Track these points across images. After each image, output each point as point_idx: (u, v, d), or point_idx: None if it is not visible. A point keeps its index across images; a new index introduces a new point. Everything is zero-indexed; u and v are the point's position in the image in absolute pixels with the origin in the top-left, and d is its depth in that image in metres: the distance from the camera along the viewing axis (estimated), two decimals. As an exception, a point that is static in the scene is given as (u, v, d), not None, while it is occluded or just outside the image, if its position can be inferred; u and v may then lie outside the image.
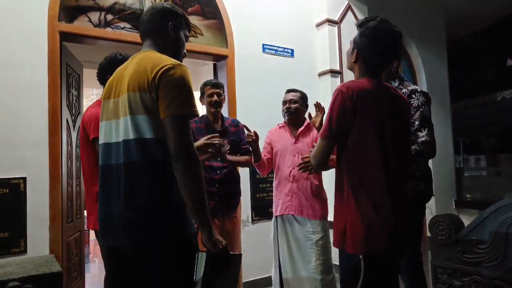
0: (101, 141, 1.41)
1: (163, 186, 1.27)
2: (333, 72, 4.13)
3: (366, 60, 1.59)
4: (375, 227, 1.46)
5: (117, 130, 1.34)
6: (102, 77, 2.22)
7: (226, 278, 1.36)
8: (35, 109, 2.72)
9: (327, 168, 1.77)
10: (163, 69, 1.25)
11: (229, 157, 2.57)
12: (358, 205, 1.48)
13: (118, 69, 1.45)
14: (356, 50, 1.61)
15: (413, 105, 2.13)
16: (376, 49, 1.56)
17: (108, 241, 1.36)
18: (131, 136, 1.27)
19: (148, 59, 1.32)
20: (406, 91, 2.20)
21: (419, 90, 2.19)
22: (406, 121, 1.65)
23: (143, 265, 1.27)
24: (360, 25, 1.62)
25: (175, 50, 1.48)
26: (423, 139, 2.06)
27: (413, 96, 2.16)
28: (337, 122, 1.50)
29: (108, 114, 1.39)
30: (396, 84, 2.28)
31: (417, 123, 2.10)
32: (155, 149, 1.26)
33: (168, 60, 1.30)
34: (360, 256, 1.46)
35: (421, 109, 2.12)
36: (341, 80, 4.17)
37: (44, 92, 2.75)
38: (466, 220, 2.35)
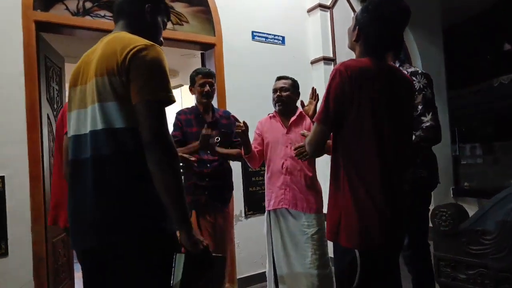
0: (70, 133, 1.27)
1: (136, 180, 1.15)
2: (326, 60, 4.00)
3: (368, 39, 1.45)
4: (371, 219, 1.35)
5: (85, 120, 1.21)
6: None
7: (209, 282, 1.23)
8: (11, 104, 2.56)
9: (322, 154, 1.66)
10: (134, 50, 1.13)
11: (219, 149, 2.45)
12: (354, 195, 1.36)
13: (85, 54, 1.31)
14: (357, 27, 1.47)
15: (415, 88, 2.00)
16: (380, 26, 1.41)
17: (80, 244, 1.23)
18: (99, 126, 1.15)
19: (118, 40, 1.20)
20: (406, 72, 2.05)
21: (420, 71, 2.06)
22: (408, 105, 1.53)
23: (118, 265, 1.15)
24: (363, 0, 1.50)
25: (150, 35, 1.33)
26: (427, 124, 1.94)
27: (414, 78, 2.02)
28: (334, 105, 1.37)
29: (76, 103, 1.25)
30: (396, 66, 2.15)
31: (420, 107, 1.97)
32: (126, 139, 1.14)
33: (140, 41, 1.17)
34: (356, 251, 1.35)
35: (424, 92, 1.99)
36: (335, 68, 4.04)
37: (20, 86, 2.59)
38: (465, 209, 2.25)
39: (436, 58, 5.41)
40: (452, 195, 5.29)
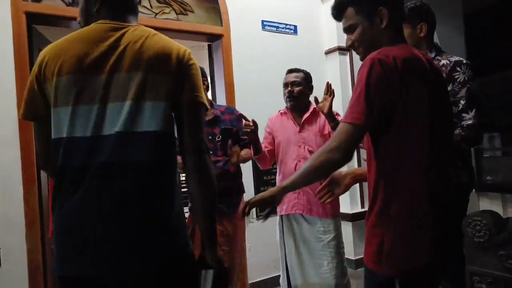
0: (64, 133, 1.03)
1: (174, 192, 1.08)
2: (341, 50, 3.76)
3: (395, 19, 1.22)
4: (418, 240, 1.14)
5: (99, 118, 1.01)
6: None
7: None
8: (0, 102, 2.40)
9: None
10: (187, 54, 1.12)
11: (232, 160, 2.32)
12: (401, 215, 1.14)
13: (78, 38, 1.08)
14: (380, 8, 1.20)
15: (458, 80, 1.76)
16: None
17: (82, 271, 1.00)
18: (137, 128, 1.01)
19: (163, 39, 1.12)
20: (448, 62, 1.81)
21: (464, 62, 1.79)
22: (448, 99, 1.31)
23: None
24: None
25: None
26: (469, 122, 1.69)
27: (458, 69, 1.77)
28: (379, 100, 1.09)
29: (82, 97, 1.03)
30: (433, 55, 1.90)
31: (462, 102, 1.72)
32: (167, 145, 1.06)
33: (180, 45, 1.14)
34: (396, 281, 1.13)
35: (468, 85, 1.74)
36: (351, 59, 3.80)
37: (11, 82, 2.42)
38: (488, 204, 2.01)
39: (457, 46, 5.16)
40: (474, 191, 5.05)
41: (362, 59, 1.25)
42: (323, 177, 1.41)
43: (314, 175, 1.24)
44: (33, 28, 2.58)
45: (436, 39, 5.03)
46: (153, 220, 1.01)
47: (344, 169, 1.35)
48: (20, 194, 2.43)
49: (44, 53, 1.09)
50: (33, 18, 2.53)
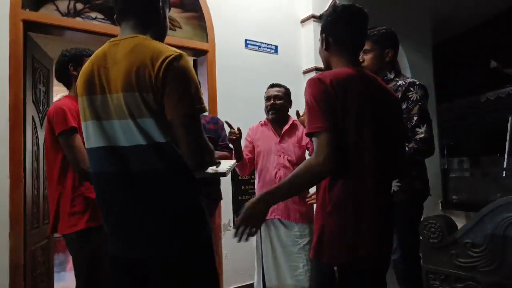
0: (91, 144, 1.20)
1: (186, 191, 1.18)
2: (318, 70, 3.98)
3: (338, 43, 1.43)
4: (353, 234, 1.28)
5: (114, 133, 1.15)
6: (65, 72, 2.04)
7: None
8: (-7, 103, 2.49)
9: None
10: (166, 62, 1.08)
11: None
12: (338, 209, 1.30)
13: (94, 57, 1.22)
14: (324, 35, 1.44)
15: (411, 99, 1.98)
16: (344, 24, 1.41)
17: (125, 252, 1.22)
18: (142, 141, 1.11)
19: (144, 49, 1.12)
20: (403, 83, 2.04)
21: (417, 83, 2.03)
22: (395, 114, 1.47)
23: (165, 277, 1.17)
24: (320, 16, 1.49)
25: (163, 33, 1.29)
26: (421, 135, 1.91)
27: (411, 89, 2.00)
28: (327, 108, 1.26)
29: (93, 113, 1.18)
30: (392, 76, 2.12)
31: (415, 118, 1.94)
32: (171, 153, 1.13)
33: (168, 50, 1.12)
34: (335, 268, 1.31)
35: (420, 103, 1.96)
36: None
37: (4, 86, 2.51)
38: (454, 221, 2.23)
39: (425, 72, 5.47)
40: (441, 208, 5.32)
41: None
42: (308, 188, 1.49)
43: (300, 185, 1.31)
44: (28, 35, 2.70)
45: (406, 64, 5.38)
46: (174, 215, 1.16)
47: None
48: (6, 192, 2.48)
49: None
50: (30, 26, 2.65)
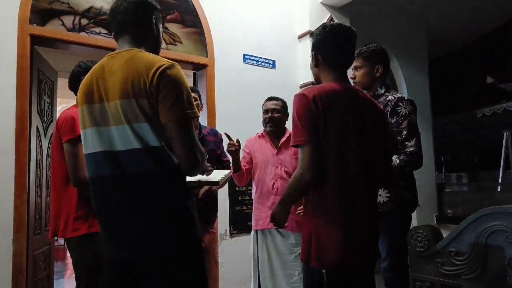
0: (89, 150, 1.30)
1: (178, 194, 1.26)
2: (314, 85, 4.07)
3: (327, 60, 1.53)
4: (338, 240, 1.36)
5: (110, 138, 1.24)
6: (77, 82, 2.14)
7: None
8: (1, 113, 2.59)
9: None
10: (160, 70, 1.18)
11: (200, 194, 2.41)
12: (324, 217, 1.39)
13: (93, 70, 1.33)
14: (314, 53, 1.55)
15: (400, 113, 2.07)
16: (332, 43, 1.51)
17: (119, 254, 1.29)
18: (136, 145, 1.20)
19: (139, 60, 1.23)
20: (393, 98, 2.13)
21: (406, 98, 2.13)
22: (380, 127, 1.56)
23: (157, 279, 1.23)
24: (311, 33, 1.61)
25: (157, 47, 1.40)
26: (411, 149, 2.00)
27: (400, 104, 2.09)
28: (309, 122, 1.38)
29: (92, 121, 1.28)
30: (382, 91, 2.21)
31: (405, 132, 2.03)
32: (164, 157, 1.21)
33: (161, 60, 1.23)
34: (323, 271, 1.37)
35: (409, 118, 2.06)
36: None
37: (12, 96, 2.63)
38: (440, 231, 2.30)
39: (421, 87, 5.56)
40: (435, 222, 5.36)
41: None
42: (299, 196, 1.54)
43: (290, 195, 1.48)
44: (34, 49, 2.82)
45: (403, 80, 5.46)
46: (167, 217, 1.23)
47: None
48: (11, 199, 2.57)
49: None
50: (37, 40, 2.78)
